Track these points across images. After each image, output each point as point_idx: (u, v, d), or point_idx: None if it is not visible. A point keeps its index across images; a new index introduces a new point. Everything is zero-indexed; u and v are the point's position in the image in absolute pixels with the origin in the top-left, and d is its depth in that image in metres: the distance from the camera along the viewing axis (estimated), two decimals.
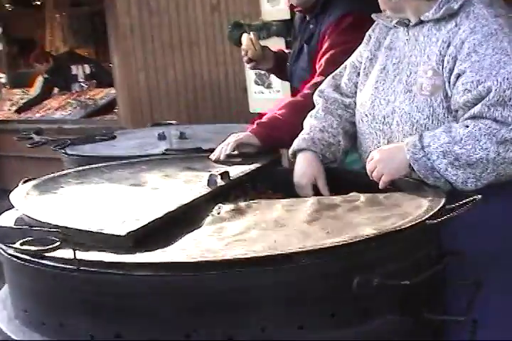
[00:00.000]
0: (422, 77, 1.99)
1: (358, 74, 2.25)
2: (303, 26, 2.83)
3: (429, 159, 1.83)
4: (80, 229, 1.48)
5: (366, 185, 1.90)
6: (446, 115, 1.95)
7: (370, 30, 2.28)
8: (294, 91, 2.92)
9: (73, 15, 8.48)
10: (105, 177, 2.07)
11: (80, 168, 2.20)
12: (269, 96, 4.19)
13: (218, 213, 1.69)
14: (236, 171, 2.02)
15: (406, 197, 1.78)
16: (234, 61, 7.48)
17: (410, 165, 1.87)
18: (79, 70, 7.43)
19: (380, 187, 1.89)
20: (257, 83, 4.27)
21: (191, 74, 7.09)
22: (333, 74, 2.36)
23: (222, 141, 2.32)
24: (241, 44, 4.36)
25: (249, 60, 2.96)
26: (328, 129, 2.20)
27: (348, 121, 2.24)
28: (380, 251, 1.43)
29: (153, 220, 1.53)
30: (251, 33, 2.96)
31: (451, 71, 1.93)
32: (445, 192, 1.78)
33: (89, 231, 1.46)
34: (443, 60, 1.95)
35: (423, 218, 1.52)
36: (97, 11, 8.22)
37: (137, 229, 1.47)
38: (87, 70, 7.46)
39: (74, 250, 1.31)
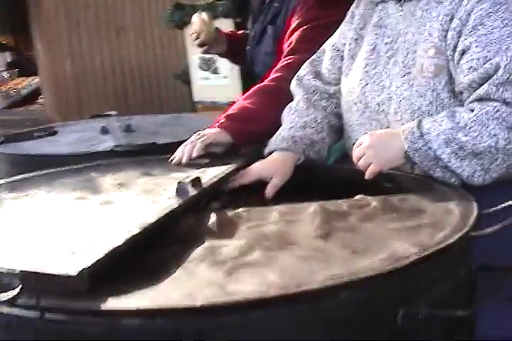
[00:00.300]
0: (423, 56, 1.70)
1: (342, 57, 1.95)
2: (265, 5, 2.51)
3: (430, 148, 1.55)
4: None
5: (360, 183, 1.62)
6: (451, 100, 1.67)
7: (352, 6, 1.98)
8: (258, 77, 2.60)
9: None
10: (47, 189, 1.69)
11: (14, 178, 1.80)
12: (215, 83, 3.85)
13: (202, 228, 1.37)
14: (206, 176, 1.67)
15: (424, 199, 1.48)
16: (163, 45, 7.12)
17: (407, 155, 1.59)
18: None
19: (365, 177, 1.61)
20: (201, 68, 3.92)
21: (119, 60, 6.69)
22: (311, 59, 2.05)
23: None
24: (183, 27, 4.04)
25: (202, 44, 2.62)
26: (312, 124, 1.89)
27: (333, 113, 1.94)
28: (425, 273, 1.13)
29: (115, 248, 1.12)
30: (203, 12, 2.62)
31: (455, 47, 1.65)
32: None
33: (27, 271, 1.03)
34: (446, 36, 1.67)
35: (467, 229, 1.23)
36: None
37: (92, 264, 1.05)
38: (8, 58, 6.94)
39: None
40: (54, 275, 0.99)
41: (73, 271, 0.99)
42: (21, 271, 1.00)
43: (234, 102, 3.76)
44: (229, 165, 1.77)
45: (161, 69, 7.05)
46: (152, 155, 2.12)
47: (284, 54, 2.24)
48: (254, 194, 1.72)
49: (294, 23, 2.27)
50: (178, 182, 1.48)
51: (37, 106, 6.57)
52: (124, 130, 2.70)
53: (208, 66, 3.85)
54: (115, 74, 6.67)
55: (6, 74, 6.97)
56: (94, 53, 6.44)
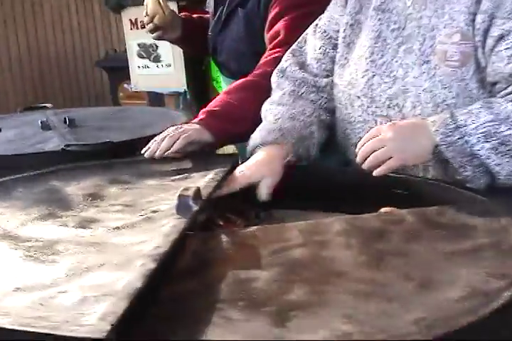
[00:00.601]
0: (446, 43, 1.49)
1: (335, 46, 1.72)
2: None
3: (466, 142, 1.35)
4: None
5: (362, 188, 1.42)
6: (480, 91, 1.48)
7: None
8: (222, 67, 2.34)
9: None
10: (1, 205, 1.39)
11: None
12: (156, 72, 3.55)
13: (214, 253, 1.12)
14: (197, 183, 1.41)
15: (463, 211, 1.27)
16: (81, 32, 6.75)
17: (438, 149, 1.38)
18: None
19: (375, 173, 1.39)
20: (140, 56, 3.61)
21: (36, 47, 6.29)
22: (291, 50, 1.82)
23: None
24: (119, 11, 3.72)
25: (156, 28, 2.34)
26: (300, 117, 1.66)
27: (323, 107, 1.72)
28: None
29: (136, 292, 0.86)
30: None
31: (486, 32, 1.45)
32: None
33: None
34: (473, 20, 1.46)
35: None
36: None
37: (118, 320, 0.78)
38: None
39: None
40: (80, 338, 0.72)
41: (99, 333, 0.73)
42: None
43: (177, 92, 3.56)
44: (216, 170, 1.52)
45: (80, 58, 6.70)
46: (108, 154, 1.87)
47: (270, 46, 1.97)
48: (235, 199, 1.48)
49: (276, 8, 2.01)
50: (179, 196, 1.22)
51: None
52: (68, 125, 2.39)
53: (148, 53, 3.55)
54: (32, 64, 6.28)
55: None
56: (8, 40, 6.03)
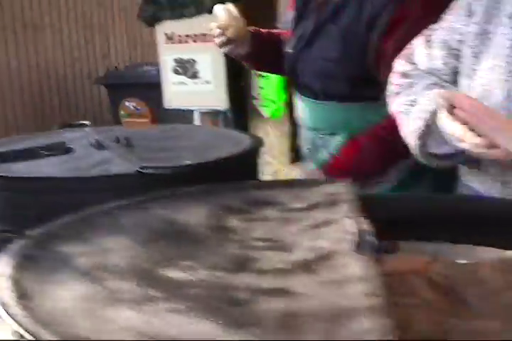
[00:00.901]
0: None
1: (457, 56, 1.57)
2: None
3: None
4: None
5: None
6: None
7: None
8: (305, 89, 2.14)
9: None
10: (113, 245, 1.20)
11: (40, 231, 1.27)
12: (193, 89, 3.35)
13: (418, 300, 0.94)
14: (334, 214, 1.24)
15: None
16: (80, 46, 6.56)
17: None
18: None
19: None
20: (176, 72, 3.41)
21: (35, 65, 6.08)
22: (403, 56, 1.67)
23: None
24: (154, 23, 3.53)
25: (228, 41, 2.15)
26: None
27: None
28: None
29: None
30: (230, 3, 2.14)
31: None
32: None
33: None
34: None
35: None
36: None
37: None
38: None
39: None
40: None
41: None
42: None
43: (218, 111, 3.37)
44: (338, 197, 1.34)
45: (78, 74, 6.50)
46: (187, 178, 1.70)
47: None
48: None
49: (401, 35, 1.82)
50: (359, 232, 1.03)
51: None
52: (121, 145, 2.20)
53: (185, 69, 3.36)
54: (31, 81, 6.06)
55: None
56: (9, 56, 5.82)
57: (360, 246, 1.00)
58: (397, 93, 1.64)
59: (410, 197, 1.53)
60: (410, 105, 1.57)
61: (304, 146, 2.21)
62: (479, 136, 1.31)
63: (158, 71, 5.73)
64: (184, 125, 2.58)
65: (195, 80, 3.32)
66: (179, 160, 1.91)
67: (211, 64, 3.11)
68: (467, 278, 1.01)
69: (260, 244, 1.13)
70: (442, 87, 1.56)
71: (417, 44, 1.67)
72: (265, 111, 2.96)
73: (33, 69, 6.03)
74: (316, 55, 2.03)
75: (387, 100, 1.69)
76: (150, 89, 5.67)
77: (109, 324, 0.80)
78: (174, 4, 3.23)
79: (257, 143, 2.09)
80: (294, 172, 2.29)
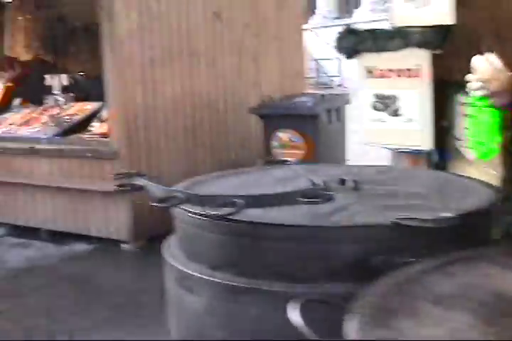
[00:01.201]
0: None
1: None
2: None
3: None
4: None
5: None
6: None
7: None
8: None
9: (39, 19, 7.24)
10: None
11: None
12: (393, 126, 3.18)
13: None
14: None
15: None
16: (233, 76, 6.52)
17: None
18: (54, 81, 6.21)
19: None
20: (376, 108, 3.26)
21: (190, 90, 6.07)
22: None
23: None
24: (353, 56, 3.40)
25: (490, 94, 1.96)
26: None
27: None
28: None
29: None
30: (491, 54, 1.96)
31: None
32: None
33: None
34: None
35: None
36: (64, 14, 7.08)
37: None
38: (65, 81, 6.25)
39: None
40: None
41: None
42: None
43: (419, 150, 3.18)
44: None
45: (230, 102, 6.44)
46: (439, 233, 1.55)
47: None
48: None
49: None
50: None
51: (91, 135, 5.88)
52: (346, 187, 2.06)
53: (385, 106, 3.20)
54: (185, 106, 6.04)
55: (61, 99, 6.30)
56: (165, 81, 5.81)
57: None
58: None
59: None
60: None
61: None
62: None
63: (313, 103, 5.65)
64: (398, 166, 2.40)
65: (397, 118, 3.15)
66: (429, 210, 1.76)
67: (417, 101, 2.95)
68: None
69: None
70: None
71: None
72: (471, 153, 2.77)
73: (186, 96, 6.01)
74: None
75: None
76: (305, 121, 5.58)
77: None
78: (377, 36, 3.09)
79: (499, 194, 1.93)
80: None
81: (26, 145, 5.96)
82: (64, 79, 6.21)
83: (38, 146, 5.92)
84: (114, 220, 5.55)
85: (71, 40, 7.28)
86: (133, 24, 5.52)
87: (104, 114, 5.93)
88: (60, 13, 6.89)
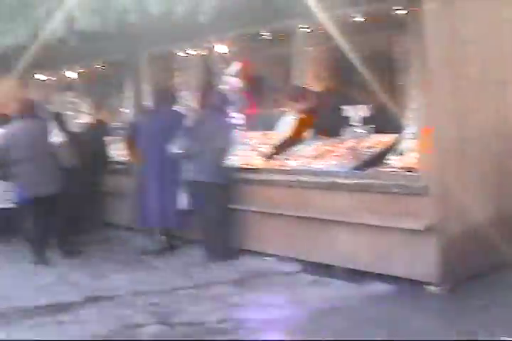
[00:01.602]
0: None
1: None
2: None
3: None
4: None
5: None
6: None
7: None
8: None
9: (330, 49, 7.11)
10: None
11: None
12: None
13: None
14: None
15: None
16: None
17: None
18: (353, 112, 5.97)
19: None
20: None
21: (502, 120, 5.60)
22: None
23: None
24: None
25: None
26: None
27: None
28: None
29: None
30: None
31: None
32: None
33: None
34: None
35: None
36: (354, 43, 6.89)
37: None
38: (365, 113, 5.98)
39: None
40: None
41: None
42: None
43: None
44: None
45: None
46: None
47: None
48: None
49: None
50: None
51: (391, 169, 5.54)
52: None
53: None
54: (494, 137, 5.58)
55: (362, 131, 6.06)
56: (475, 110, 5.38)
57: None
58: None
59: None
60: None
61: None
62: None
63: None
64: None
65: None
66: None
67: None
68: None
69: None
70: None
71: None
72: None
73: (495, 126, 5.57)
74: None
75: None
76: None
77: None
78: None
79: None
80: None
81: (324, 179, 5.77)
82: (363, 110, 5.95)
83: (336, 180, 5.71)
84: (420, 260, 5.17)
85: (359, 69, 7.05)
86: (443, 52, 5.17)
87: (404, 146, 5.62)
88: (351, 42, 6.69)
